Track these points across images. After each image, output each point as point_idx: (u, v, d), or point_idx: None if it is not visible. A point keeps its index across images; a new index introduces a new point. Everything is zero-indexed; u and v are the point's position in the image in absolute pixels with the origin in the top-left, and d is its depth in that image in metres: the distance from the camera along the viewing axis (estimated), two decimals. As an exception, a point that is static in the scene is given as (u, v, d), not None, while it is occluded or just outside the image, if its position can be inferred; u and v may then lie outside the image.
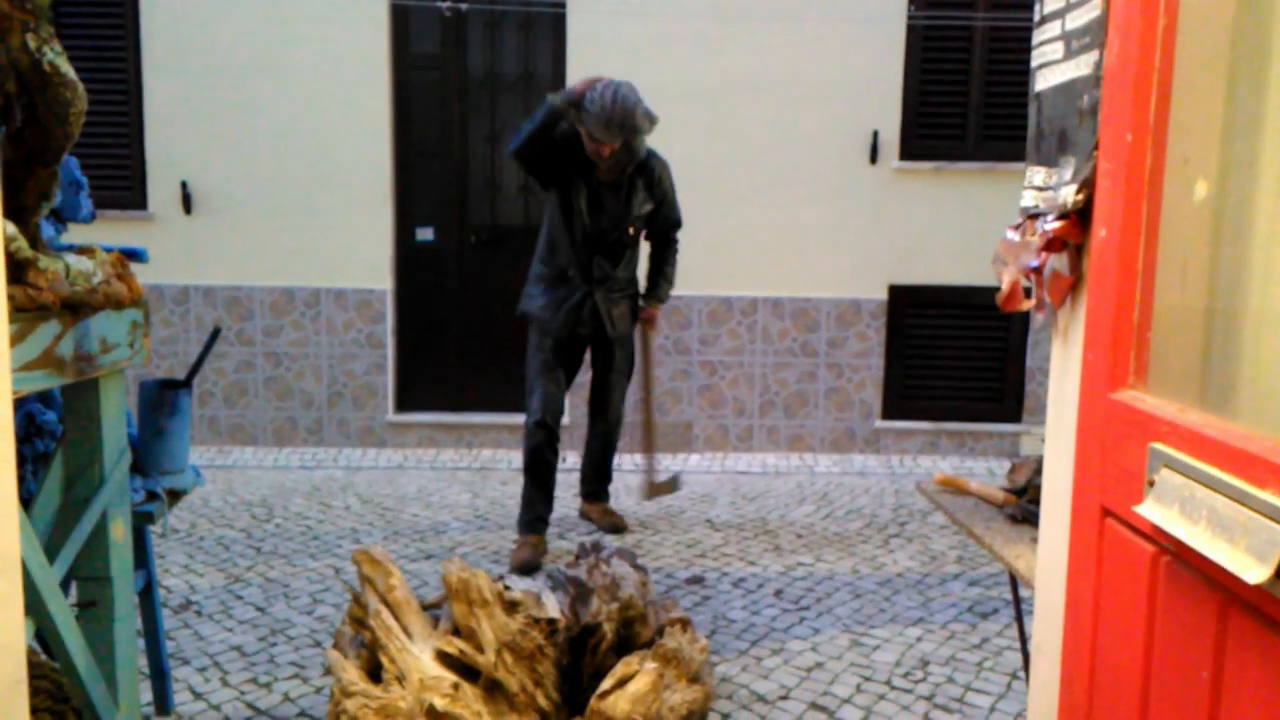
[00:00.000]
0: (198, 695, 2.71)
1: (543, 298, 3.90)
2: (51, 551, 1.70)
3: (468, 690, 2.08)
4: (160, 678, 2.58)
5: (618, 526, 4.25)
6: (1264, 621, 0.97)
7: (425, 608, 2.31)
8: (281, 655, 2.97)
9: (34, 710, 1.82)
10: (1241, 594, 1.00)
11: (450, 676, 2.08)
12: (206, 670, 2.86)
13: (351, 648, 2.27)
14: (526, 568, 3.66)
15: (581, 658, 2.32)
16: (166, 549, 3.89)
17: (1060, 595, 1.45)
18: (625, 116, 3.56)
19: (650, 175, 3.90)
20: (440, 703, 2.02)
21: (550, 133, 3.66)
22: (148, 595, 2.51)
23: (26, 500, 1.91)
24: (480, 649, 2.13)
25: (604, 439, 4.21)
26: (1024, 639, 2.53)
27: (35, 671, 1.92)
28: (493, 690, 2.11)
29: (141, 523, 2.29)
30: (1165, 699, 1.16)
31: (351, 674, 2.14)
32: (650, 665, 2.19)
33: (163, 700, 2.58)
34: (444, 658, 2.13)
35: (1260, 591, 0.95)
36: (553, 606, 2.26)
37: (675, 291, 5.44)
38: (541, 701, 2.16)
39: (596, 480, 4.31)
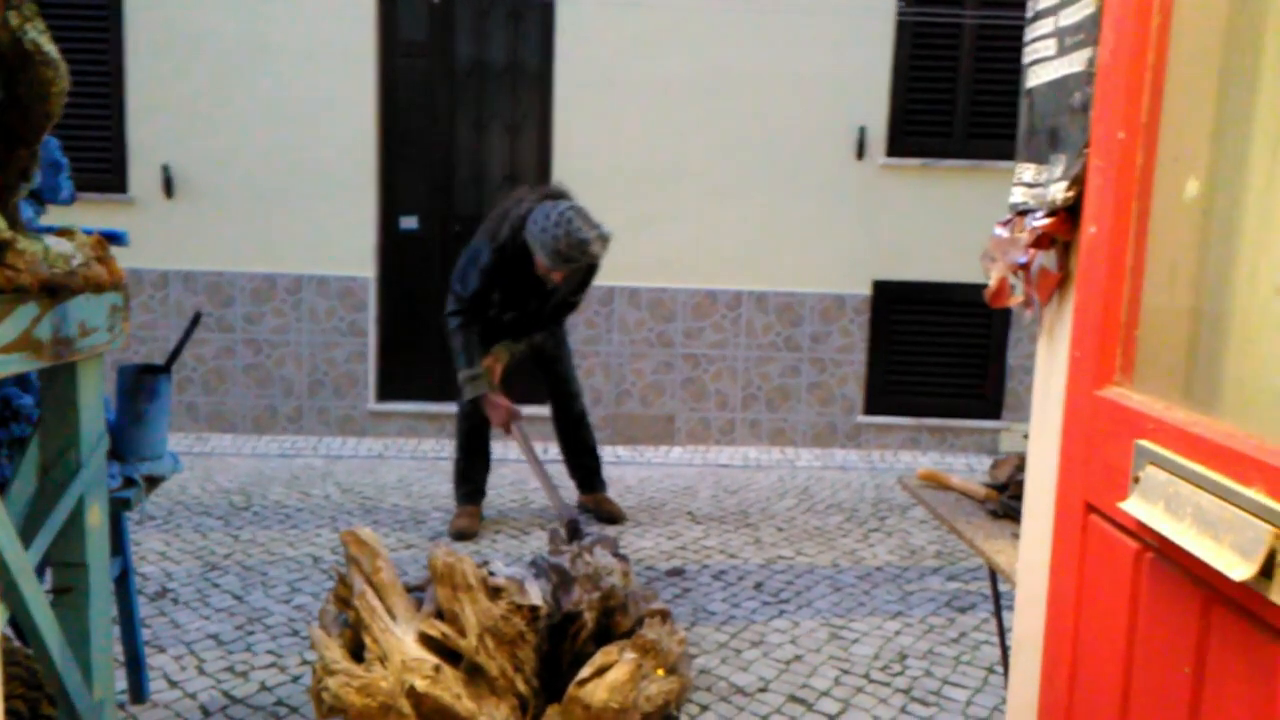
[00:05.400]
0: (174, 683, 2.69)
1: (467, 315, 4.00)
2: (27, 537, 1.68)
3: (449, 673, 2.09)
4: (136, 665, 2.55)
5: (614, 517, 4.21)
6: (1247, 618, 0.97)
7: (409, 590, 2.31)
8: (258, 644, 2.95)
9: (8, 697, 1.80)
10: (1225, 590, 1.00)
11: (432, 659, 2.09)
12: (183, 658, 2.84)
13: (335, 626, 2.27)
14: (465, 534, 3.97)
15: (561, 645, 2.32)
16: (143, 536, 3.85)
17: (1042, 591, 1.45)
18: (579, 250, 3.66)
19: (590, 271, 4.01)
20: (421, 684, 2.03)
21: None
22: (124, 582, 2.49)
23: (1, 485, 1.89)
24: (462, 633, 2.13)
25: (565, 410, 4.22)
26: (1003, 634, 2.55)
27: (9, 658, 1.90)
28: (473, 674, 2.12)
29: (118, 509, 2.26)
30: (1146, 694, 1.16)
31: (334, 652, 2.15)
32: (629, 655, 2.19)
33: (138, 688, 2.56)
34: (426, 640, 2.14)
35: (1244, 588, 0.95)
36: (535, 594, 2.27)
37: (661, 284, 5.48)
38: (521, 687, 2.17)
39: (577, 461, 4.28)
